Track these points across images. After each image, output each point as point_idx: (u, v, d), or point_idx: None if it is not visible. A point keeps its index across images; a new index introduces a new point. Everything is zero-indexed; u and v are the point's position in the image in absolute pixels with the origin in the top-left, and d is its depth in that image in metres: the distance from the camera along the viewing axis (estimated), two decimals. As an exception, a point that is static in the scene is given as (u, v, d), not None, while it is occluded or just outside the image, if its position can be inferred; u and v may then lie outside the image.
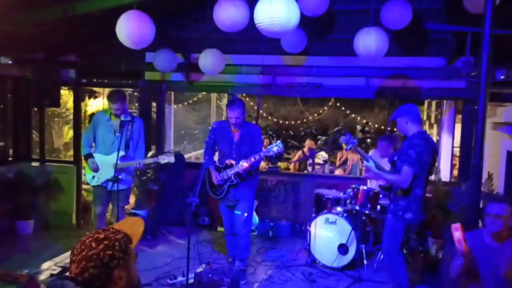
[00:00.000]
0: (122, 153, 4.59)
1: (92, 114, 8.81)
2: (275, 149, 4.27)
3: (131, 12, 3.94)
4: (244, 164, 4.26)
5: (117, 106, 4.65)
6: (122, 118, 4.57)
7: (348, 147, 4.15)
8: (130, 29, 3.92)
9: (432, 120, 7.88)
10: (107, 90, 8.76)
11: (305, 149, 9.73)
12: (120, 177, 4.52)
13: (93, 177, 4.77)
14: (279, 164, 9.04)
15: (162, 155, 4.80)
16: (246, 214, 4.50)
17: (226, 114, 4.53)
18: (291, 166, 9.94)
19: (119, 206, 4.72)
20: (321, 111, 11.44)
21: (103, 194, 4.82)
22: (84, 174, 4.95)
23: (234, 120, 4.37)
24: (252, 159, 4.27)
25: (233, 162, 4.40)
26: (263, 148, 4.49)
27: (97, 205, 4.87)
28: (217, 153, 4.79)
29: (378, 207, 4.90)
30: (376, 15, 4.52)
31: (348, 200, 4.99)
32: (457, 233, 2.92)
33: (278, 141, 4.32)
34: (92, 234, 1.47)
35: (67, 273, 1.48)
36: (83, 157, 4.88)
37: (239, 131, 4.47)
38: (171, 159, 4.66)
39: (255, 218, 6.02)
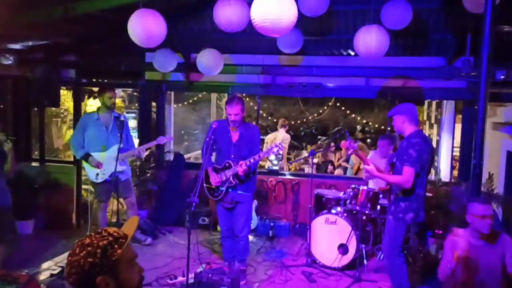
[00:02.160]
0: (120, 145, 4.89)
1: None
2: (275, 149, 4.23)
3: (143, 10, 3.93)
4: (243, 166, 4.20)
5: (116, 94, 5.09)
6: (114, 115, 5.05)
7: (349, 152, 4.14)
8: (144, 27, 3.91)
9: (432, 120, 7.88)
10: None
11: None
12: (119, 177, 4.87)
13: (97, 174, 4.98)
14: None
15: (160, 137, 5.18)
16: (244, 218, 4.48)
17: (226, 113, 4.47)
18: (292, 166, 9.91)
19: (126, 198, 5.21)
20: (321, 111, 11.43)
21: (107, 189, 5.07)
22: (85, 174, 5.03)
23: (233, 117, 4.27)
24: (252, 160, 4.22)
25: (232, 163, 4.33)
26: (262, 149, 4.47)
27: (102, 201, 5.14)
28: (213, 154, 4.73)
29: (378, 207, 4.90)
30: (376, 15, 4.51)
31: (348, 200, 4.99)
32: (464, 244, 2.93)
33: (278, 142, 4.30)
34: (84, 238, 1.46)
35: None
36: (81, 159, 5.08)
37: (238, 131, 4.39)
38: (170, 138, 5.16)
39: (255, 218, 6.02)
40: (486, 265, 2.97)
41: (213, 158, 4.65)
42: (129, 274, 1.47)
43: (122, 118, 5.00)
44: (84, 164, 5.06)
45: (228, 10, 3.94)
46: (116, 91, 5.19)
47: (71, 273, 1.40)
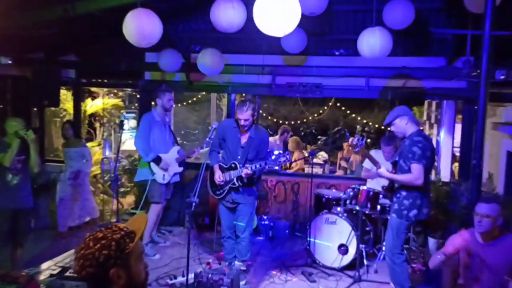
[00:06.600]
0: (178, 147, 5.30)
1: (92, 115, 8.82)
2: (282, 159, 4.21)
3: (139, 9, 3.92)
4: (248, 170, 4.19)
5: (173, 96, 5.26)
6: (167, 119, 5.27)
7: (356, 150, 4.15)
8: (138, 26, 3.89)
9: (432, 120, 7.88)
10: (105, 90, 8.79)
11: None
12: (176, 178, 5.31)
13: (164, 176, 5.10)
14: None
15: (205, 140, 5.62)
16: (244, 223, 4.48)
17: (236, 115, 4.45)
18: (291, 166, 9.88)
19: (166, 199, 5.38)
20: (321, 111, 11.41)
21: (166, 190, 5.26)
22: (153, 174, 5.06)
23: (243, 122, 4.28)
24: (258, 166, 4.20)
25: (238, 165, 4.33)
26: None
27: (162, 201, 5.25)
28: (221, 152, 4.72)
29: (378, 207, 4.89)
30: (377, 15, 4.51)
31: (348, 200, 4.99)
32: (459, 241, 2.96)
33: (286, 152, 4.28)
34: (95, 232, 1.50)
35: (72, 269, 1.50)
36: (152, 161, 5.04)
37: (247, 133, 4.38)
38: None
39: (255, 218, 6.01)
40: (488, 264, 2.97)
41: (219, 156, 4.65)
42: (138, 268, 1.52)
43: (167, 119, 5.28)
44: (153, 166, 5.06)
45: (226, 11, 3.90)
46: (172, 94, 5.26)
47: (84, 266, 1.43)
